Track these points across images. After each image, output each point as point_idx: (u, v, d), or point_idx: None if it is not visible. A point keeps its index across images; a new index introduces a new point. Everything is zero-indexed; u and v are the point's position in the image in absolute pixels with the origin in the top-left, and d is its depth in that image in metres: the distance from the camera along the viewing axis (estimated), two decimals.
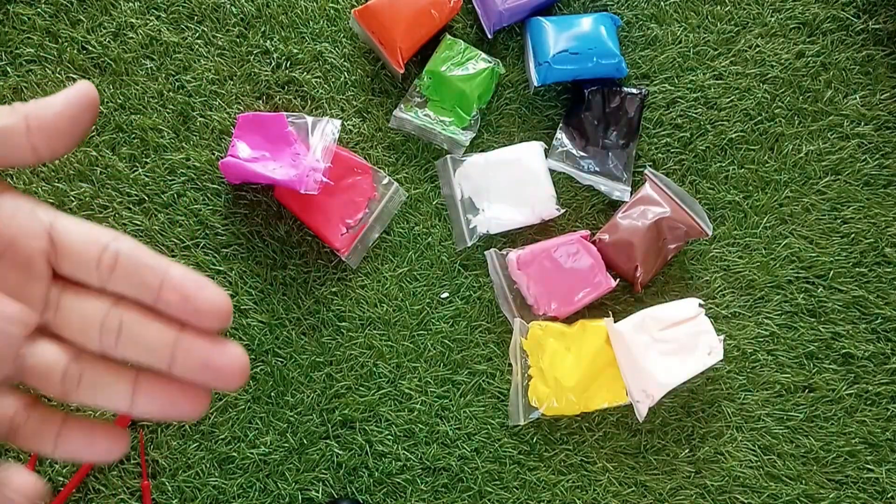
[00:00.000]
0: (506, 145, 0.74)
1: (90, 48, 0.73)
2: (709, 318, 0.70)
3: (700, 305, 0.70)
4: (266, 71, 0.74)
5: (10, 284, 0.30)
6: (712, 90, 0.76)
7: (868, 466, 0.72)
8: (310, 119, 0.70)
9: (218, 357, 0.31)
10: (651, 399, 0.68)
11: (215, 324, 0.31)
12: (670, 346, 0.69)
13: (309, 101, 0.74)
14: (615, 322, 0.70)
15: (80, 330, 0.31)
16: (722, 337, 0.70)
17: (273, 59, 0.74)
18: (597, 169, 0.73)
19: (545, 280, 0.70)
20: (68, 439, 0.31)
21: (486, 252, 0.72)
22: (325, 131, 0.70)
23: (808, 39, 0.78)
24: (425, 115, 0.73)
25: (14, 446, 0.32)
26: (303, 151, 0.69)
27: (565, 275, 0.70)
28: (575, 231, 0.73)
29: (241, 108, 0.73)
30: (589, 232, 0.72)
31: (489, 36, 0.74)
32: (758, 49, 0.77)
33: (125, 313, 0.31)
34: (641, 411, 0.68)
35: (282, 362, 0.71)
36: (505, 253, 0.72)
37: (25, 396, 0.32)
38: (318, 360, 0.71)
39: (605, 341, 0.70)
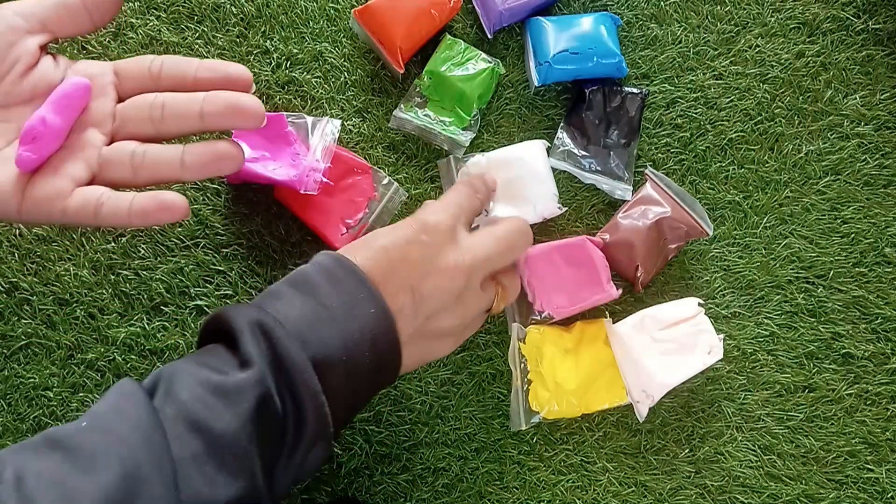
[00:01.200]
0: (506, 145, 0.74)
1: (90, 48, 0.73)
2: (709, 318, 0.70)
3: (699, 305, 0.70)
4: (266, 71, 0.74)
5: (90, 106, 0.46)
6: (712, 90, 0.76)
7: (868, 466, 0.72)
8: (310, 119, 0.70)
9: (238, 97, 0.46)
10: (651, 399, 0.68)
11: (241, 84, 0.47)
12: (670, 345, 0.69)
13: (309, 101, 0.74)
14: (614, 323, 0.70)
15: (134, 116, 0.46)
16: (721, 336, 0.70)
17: (273, 59, 0.74)
18: (598, 168, 0.73)
19: (547, 278, 0.70)
20: (140, 204, 0.44)
21: None
22: (325, 131, 0.70)
23: (808, 39, 0.78)
24: (425, 115, 0.73)
25: (100, 225, 0.47)
26: (303, 151, 0.69)
27: (569, 276, 0.70)
28: (576, 231, 0.73)
29: None
30: (600, 241, 0.71)
31: (489, 36, 0.74)
32: (758, 49, 0.77)
33: (167, 95, 0.46)
34: (642, 411, 0.68)
35: None
36: None
37: (105, 186, 0.45)
38: None
39: (603, 342, 0.70)
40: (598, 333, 0.70)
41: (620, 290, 0.71)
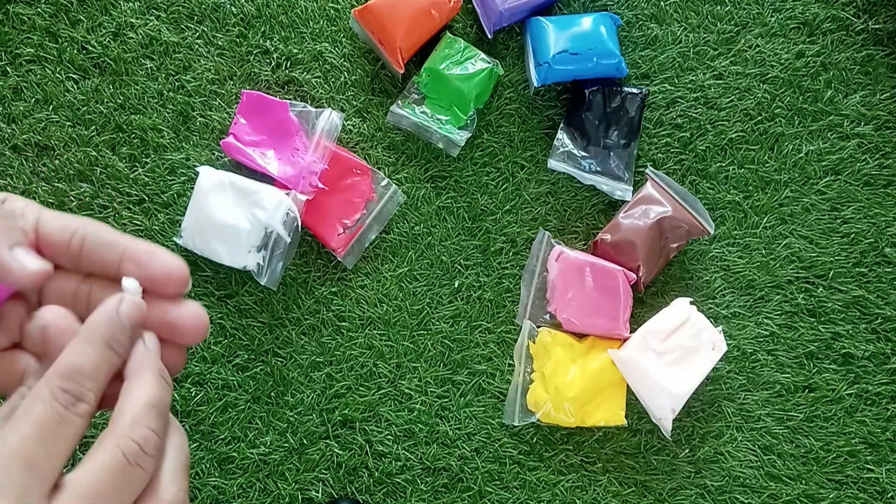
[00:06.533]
0: (506, 146, 0.74)
1: (90, 48, 0.73)
2: (709, 318, 0.70)
3: (691, 303, 0.70)
4: (266, 71, 0.74)
5: None
6: (712, 90, 0.76)
7: (868, 466, 0.72)
8: (313, 110, 0.70)
9: (175, 313, 0.34)
10: (673, 412, 0.68)
11: (172, 288, 0.34)
12: (676, 354, 0.68)
13: (309, 101, 0.74)
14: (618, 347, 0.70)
15: (57, 300, 0.35)
16: (720, 328, 0.70)
17: (273, 59, 0.74)
18: (598, 169, 0.73)
19: (571, 288, 0.70)
20: None
21: (540, 229, 0.72)
22: (327, 125, 0.70)
23: (808, 39, 0.78)
24: (422, 112, 0.73)
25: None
26: (302, 147, 0.69)
27: (592, 297, 0.70)
28: (576, 230, 0.73)
29: None
30: (634, 277, 0.71)
31: (489, 36, 0.74)
32: (758, 49, 0.77)
33: (94, 286, 0.35)
34: (667, 427, 0.68)
35: (282, 362, 0.71)
36: (556, 242, 0.72)
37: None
38: (318, 360, 0.71)
39: (611, 361, 0.69)
40: (608, 350, 0.70)
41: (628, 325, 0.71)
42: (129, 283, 0.33)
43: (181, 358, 0.35)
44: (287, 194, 0.68)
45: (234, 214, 0.66)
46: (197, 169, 0.69)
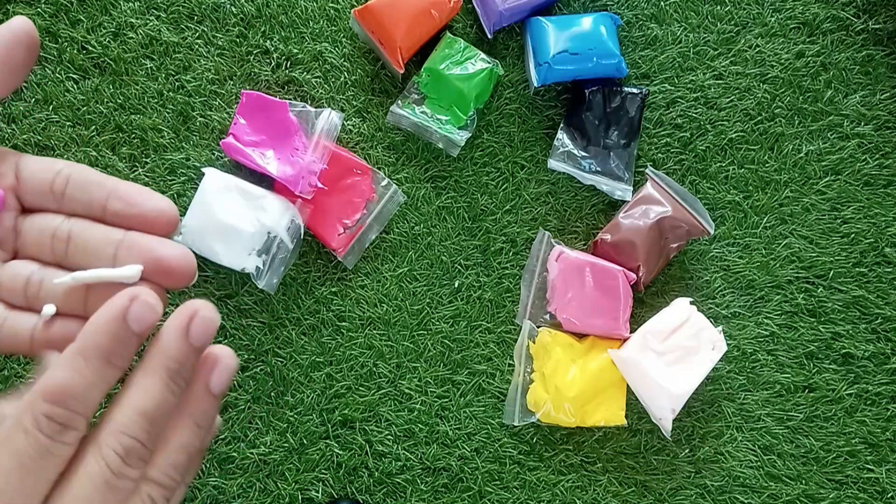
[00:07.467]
0: (506, 146, 0.74)
1: (90, 48, 0.73)
2: (709, 318, 0.70)
3: (691, 303, 0.70)
4: (266, 71, 0.74)
5: None
6: (712, 90, 0.76)
7: (868, 466, 0.72)
8: (313, 110, 0.70)
9: (160, 248, 0.31)
10: (673, 413, 0.68)
11: (162, 228, 0.32)
12: (676, 354, 0.68)
13: (309, 101, 0.74)
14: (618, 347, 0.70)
15: (36, 242, 0.33)
16: (720, 328, 0.70)
17: (273, 59, 0.74)
18: (598, 169, 0.73)
19: (572, 288, 0.70)
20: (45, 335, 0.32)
21: (540, 229, 0.72)
22: (326, 125, 0.70)
23: (808, 39, 0.78)
24: (422, 112, 0.73)
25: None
26: (302, 147, 0.69)
27: (592, 297, 0.70)
28: (576, 230, 0.73)
29: None
30: (634, 277, 0.71)
31: (489, 36, 0.74)
32: (758, 49, 0.77)
33: (75, 223, 0.33)
34: (667, 427, 0.68)
35: (282, 362, 0.71)
36: (556, 242, 0.72)
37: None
38: (318, 360, 0.71)
39: (611, 361, 0.69)
40: (608, 350, 0.70)
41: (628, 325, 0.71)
42: (130, 270, 0.29)
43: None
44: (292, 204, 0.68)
45: (238, 216, 0.66)
46: (203, 170, 0.69)
